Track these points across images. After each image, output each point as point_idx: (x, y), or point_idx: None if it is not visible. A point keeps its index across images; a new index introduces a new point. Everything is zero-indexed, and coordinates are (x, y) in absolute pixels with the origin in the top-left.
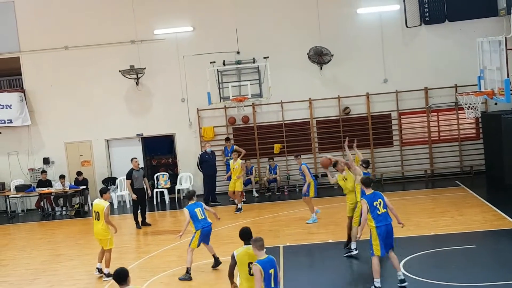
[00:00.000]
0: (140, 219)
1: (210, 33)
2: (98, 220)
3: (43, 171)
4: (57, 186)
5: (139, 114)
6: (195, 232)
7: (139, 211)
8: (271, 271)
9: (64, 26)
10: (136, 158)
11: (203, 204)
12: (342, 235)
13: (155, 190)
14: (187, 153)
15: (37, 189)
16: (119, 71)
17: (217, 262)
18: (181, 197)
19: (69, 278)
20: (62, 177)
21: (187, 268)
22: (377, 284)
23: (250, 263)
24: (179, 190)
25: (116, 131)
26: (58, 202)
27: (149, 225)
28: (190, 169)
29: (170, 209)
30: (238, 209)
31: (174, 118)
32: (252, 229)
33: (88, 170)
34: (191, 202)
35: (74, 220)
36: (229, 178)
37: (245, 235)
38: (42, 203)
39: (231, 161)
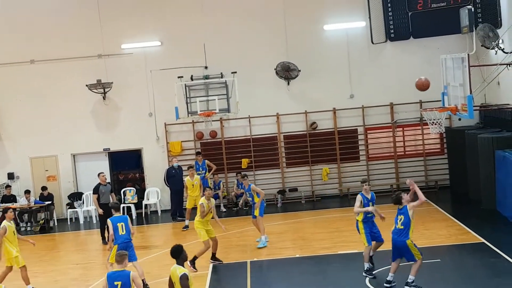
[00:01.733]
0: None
1: (178, 48)
2: None
3: (8, 186)
4: (22, 202)
5: (106, 128)
6: (113, 247)
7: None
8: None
9: (30, 40)
10: (103, 173)
11: (128, 219)
12: (310, 250)
13: (122, 205)
14: (155, 168)
15: (1, 205)
16: (86, 85)
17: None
18: (148, 212)
19: None
20: (27, 192)
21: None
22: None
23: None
24: (146, 205)
25: (83, 146)
26: (23, 217)
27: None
28: (157, 184)
29: (137, 224)
30: (185, 227)
31: (141, 133)
32: (220, 243)
33: (53, 185)
34: (116, 214)
35: (39, 236)
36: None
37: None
38: None
39: (186, 178)
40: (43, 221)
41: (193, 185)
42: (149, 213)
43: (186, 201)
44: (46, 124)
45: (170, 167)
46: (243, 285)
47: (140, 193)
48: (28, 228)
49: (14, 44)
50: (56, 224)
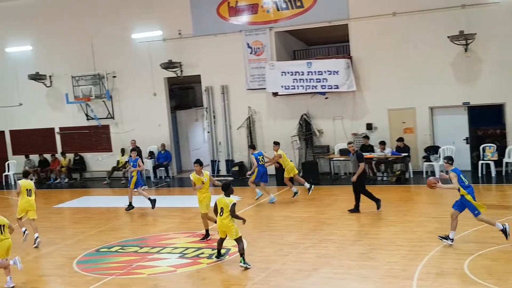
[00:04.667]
0: None
1: None
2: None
3: (366, 137)
4: (378, 152)
5: (466, 82)
6: None
7: None
8: None
9: None
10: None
11: None
12: None
13: (480, 162)
14: None
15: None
16: (448, 37)
17: None
18: (509, 171)
19: (390, 244)
20: (381, 143)
21: None
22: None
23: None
24: (506, 163)
25: (441, 99)
26: (380, 167)
27: None
28: None
29: (495, 183)
30: None
31: (505, 87)
32: None
33: (410, 137)
34: None
35: (394, 186)
36: None
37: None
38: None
39: None
40: (399, 172)
41: None
42: (509, 171)
43: None
44: (405, 76)
45: None
46: None
47: (501, 150)
48: (384, 178)
49: None
50: (411, 176)
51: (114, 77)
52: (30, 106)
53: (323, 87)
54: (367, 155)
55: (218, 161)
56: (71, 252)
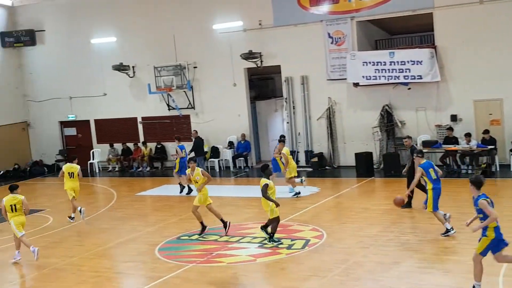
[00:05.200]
0: None
1: None
2: None
3: (450, 128)
4: (463, 144)
5: None
6: None
7: None
8: None
9: None
10: None
11: None
12: None
13: None
14: None
15: (443, 146)
16: None
17: None
18: None
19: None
20: (467, 135)
21: None
22: None
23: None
24: None
25: None
26: (464, 160)
27: None
28: None
29: None
30: None
31: None
32: None
33: (496, 129)
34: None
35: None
36: None
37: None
38: (447, 159)
39: None
40: (484, 165)
41: None
42: None
43: None
44: (491, 66)
45: None
46: None
47: None
48: (469, 171)
49: None
50: (498, 169)
51: (195, 67)
52: (114, 96)
53: (406, 77)
54: (451, 147)
55: (298, 152)
56: (153, 239)
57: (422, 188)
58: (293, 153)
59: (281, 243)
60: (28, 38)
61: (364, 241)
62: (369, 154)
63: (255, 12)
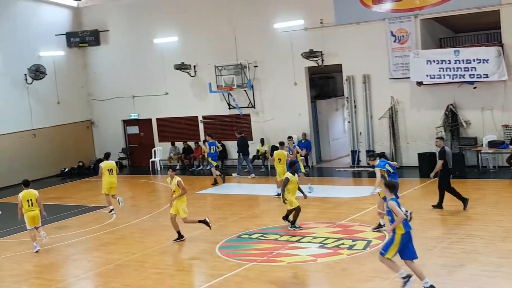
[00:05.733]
0: None
1: None
2: None
3: None
4: None
5: None
6: None
7: None
8: None
9: None
10: None
11: None
12: None
13: None
14: None
15: (510, 146)
16: None
17: None
18: None
19: None
20: None
21: None
22: None
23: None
24: None
25: None
26: None
27: None
28: None
29: None
30: None
31: None
32: None
33: None
34: None
35: None
36: None
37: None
38: None
39: None
40: None
41: None
42: None
43: None
44: None
45: None
46: None
47: None
48: None
49: None
50: None
51: (255, 66)
52: (175, 95)
53: (472, 76)
54: None
55: (359, 152)
56: (213, 237)
57: (454, 192)
58: (354, 152)
59: (301, 229)
60: (92, 38)
61: (427, 243)
62: (433, 154)
63: (317, 10)
